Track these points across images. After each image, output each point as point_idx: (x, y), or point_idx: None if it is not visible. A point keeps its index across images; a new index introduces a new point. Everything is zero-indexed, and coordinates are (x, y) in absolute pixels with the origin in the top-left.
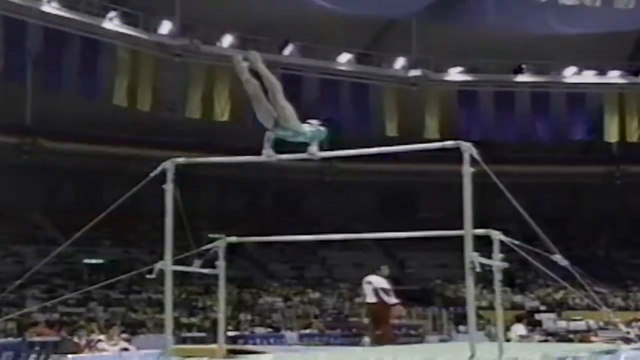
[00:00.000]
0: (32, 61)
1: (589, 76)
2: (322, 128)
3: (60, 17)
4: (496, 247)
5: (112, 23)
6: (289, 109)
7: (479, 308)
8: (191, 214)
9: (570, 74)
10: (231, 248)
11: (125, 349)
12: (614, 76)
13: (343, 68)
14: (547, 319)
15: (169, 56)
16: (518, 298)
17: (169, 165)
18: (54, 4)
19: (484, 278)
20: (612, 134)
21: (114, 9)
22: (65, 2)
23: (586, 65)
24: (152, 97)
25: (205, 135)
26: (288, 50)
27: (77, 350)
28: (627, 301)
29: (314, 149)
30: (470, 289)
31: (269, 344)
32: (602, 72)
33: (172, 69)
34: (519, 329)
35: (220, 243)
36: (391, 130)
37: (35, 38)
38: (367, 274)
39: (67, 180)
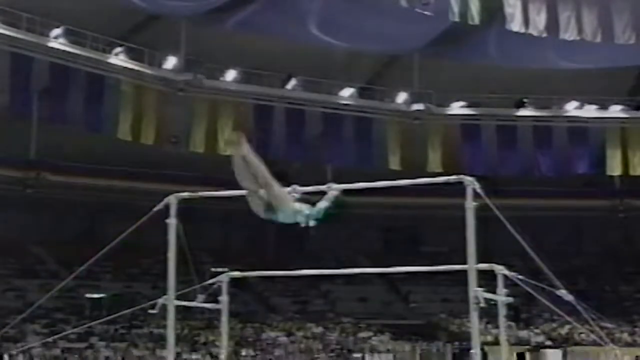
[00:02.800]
0: (37, 96)
1: (591, 110)
2: (322, 205)
3: (66, 52)
4: (500, 282)
5: (118, 58)
6: (280, 190)
7: (484, 343)
8: (194, 248)
9: (572, 108)
10: (234, 282)
11: None
12: (615, 110)
13: (346, 102)
14: (553, 354)
15: (173, 91)
16: (523, 333)
17: (172, 200)
18: (61, 40)
19: (489, 312)
20: (614, 168)
21: (120, 45)
22: (71, 38)
23: (588, 99)
24: (156, 131)
25: (208, 169)
26: (291, 85)
27: None
28: (633, 337)
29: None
30: (474, 325)
31: None
32: (603, 106)
33: (176, 103)
34: None
35: (223, 277)
36: (394, 163)
37: (41, 73)
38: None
39: (70, 214)
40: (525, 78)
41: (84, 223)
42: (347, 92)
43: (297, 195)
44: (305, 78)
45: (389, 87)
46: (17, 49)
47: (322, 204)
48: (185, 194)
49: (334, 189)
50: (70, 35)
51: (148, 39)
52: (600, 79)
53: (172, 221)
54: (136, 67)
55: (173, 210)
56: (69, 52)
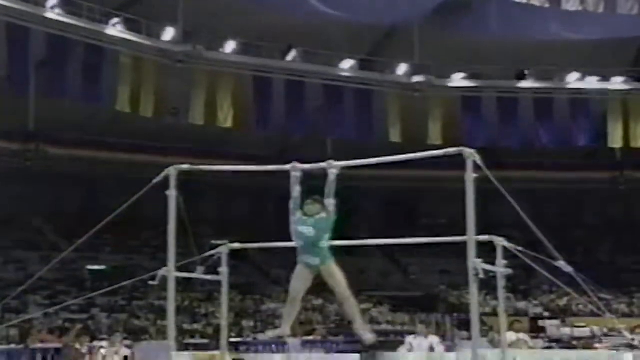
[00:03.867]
0: (35, 67)
1: (593, 82)
2: (331, 206)
3: (63, 23)
4: (499, 253)
5: (115, 29)
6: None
7: (483, 314)
8: (194, 221)
9: (574, 80)
10: (234, 254)
11: (125, 357)
12: (617, 82)
13: (346, 74)
14: (551, 326)
15: (172, 62)
16: (522, 304)
17: (172, 172)
18: (58, 11)
19: (488, 284)
20: (616, 140)
21: (117, 16)
22: (68, 9)
23: (589, 71)
24: (155, 103)
25: (208, 141)
26: (291, 56)
27: (79, 357)
28: (631, 308)
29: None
30: (473, 296)
31: (272, 351)
32: (605, 78)
33: (176, 75)
34: (510, 336)
35: (223, 249)
36: (394, 136)
37: (39, 44)
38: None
39: (70, 187)
40: (527, 49)
41: (84, 195)
42: (347, 64)
43: (298, 174)
44: (305, 49)
45: (390, 58)
46: (13, 19)
47: (330, 203)
48: (185, 166)
49: (334, 167)
50: (67, 6)
51: (146, 10)
52: (602, 50)
53: (172, 193)
54: (134, 39)
55: (173, 182)
56: (65, 23)
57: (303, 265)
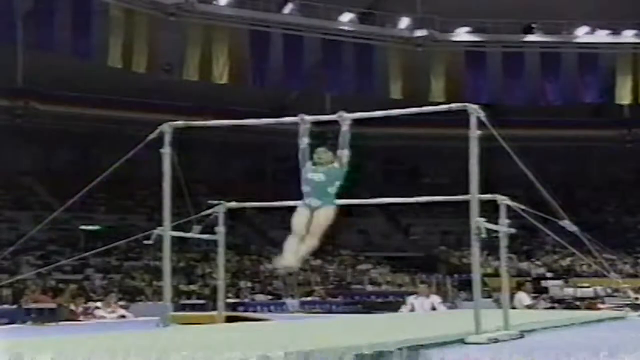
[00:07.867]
0: (22, 20)
1: (602, 36)
2: (345, 158)
3: None
4: (502, 212)
5: None
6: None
7: (484, 275)
8: (189, 180)
9: (582, 34)
10: (231, 214)
11: (123, 316)
12: (628, 36)
13: (345, 28)
14: (554, 286)
15: (164, 15)
16: (524, 265)
17: (166, 129)
18: None
19: (489, 244)
20: (624, 96)
21: None
22: None
23: (599, 24)
24: (148, 58)
25: (203, 98)
26: (288, 9)
27: (73, 317)
28: (636, 268)
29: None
30: (475, 255)
31: (270, 311)
32: (615, 31)
33: (168, 28)
34: (523, 298)
35: (220, 209)
36: (395, 92)
37: None
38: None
39: (61, 144)
40: (534, 2)
41: (76, 154)
42: (346, 17)
43: (307, 126)
44: (302, 2)
45: (391, 12)
46: None
47: (344, 154)
48: (180, 123)
49: (346, 118)
50: None
51: None
52: (612, 2)
53: (166, 150)
54: None
55: (167, 139)
56: None
57: (304, 206)
